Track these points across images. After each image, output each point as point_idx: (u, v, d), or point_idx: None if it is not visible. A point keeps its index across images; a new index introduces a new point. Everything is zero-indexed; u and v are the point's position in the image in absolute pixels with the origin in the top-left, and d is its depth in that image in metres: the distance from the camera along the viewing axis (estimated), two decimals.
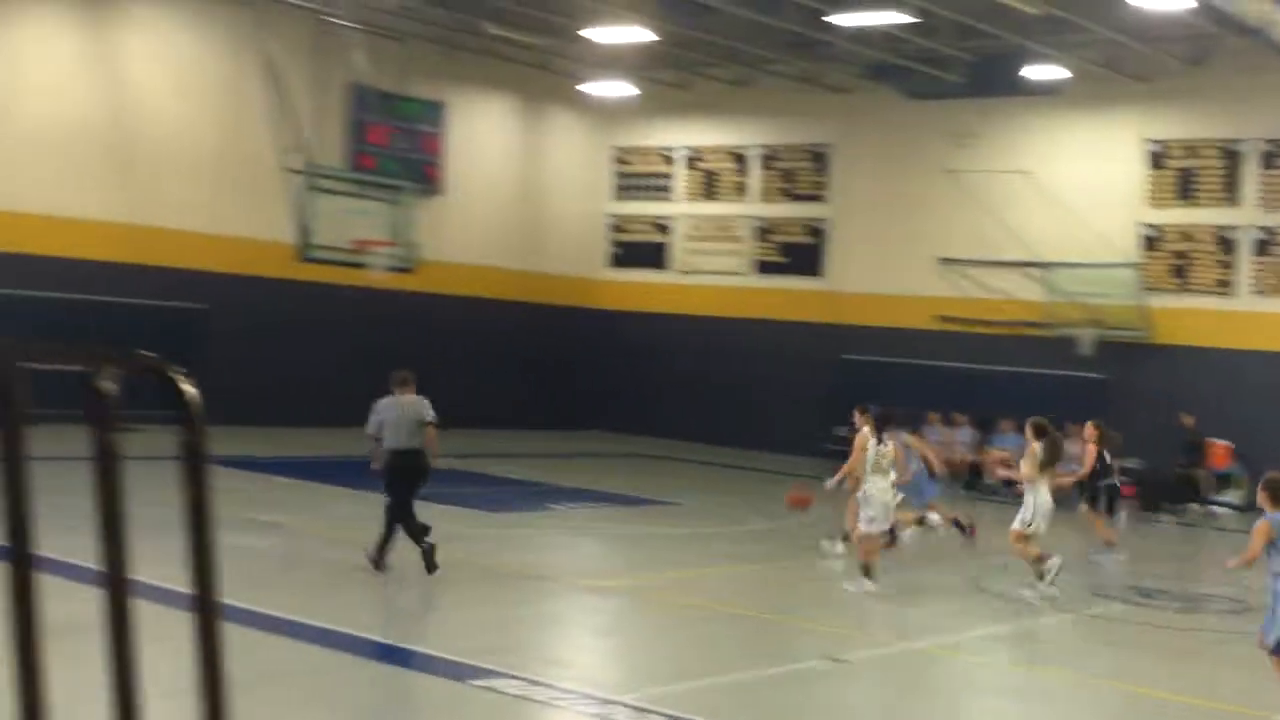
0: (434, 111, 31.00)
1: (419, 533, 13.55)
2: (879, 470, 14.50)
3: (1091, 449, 18.46)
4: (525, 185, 33.52)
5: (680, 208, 33.99)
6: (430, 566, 13.40)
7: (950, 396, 27.75)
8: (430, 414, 13.68)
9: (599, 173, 35.07)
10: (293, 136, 24.67)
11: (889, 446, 14.75)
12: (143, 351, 2.21)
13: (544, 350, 32.26)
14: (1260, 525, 9.84)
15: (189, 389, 2.06)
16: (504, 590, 13.61)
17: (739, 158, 33.09)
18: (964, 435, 26.96)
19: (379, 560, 13.47)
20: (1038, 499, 14.88)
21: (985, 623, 13.80)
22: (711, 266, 33.34)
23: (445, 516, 18.28)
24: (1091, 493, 18.70)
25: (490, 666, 10.08)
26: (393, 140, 28.63)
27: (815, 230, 31.93)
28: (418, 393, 13.87)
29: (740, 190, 33.07)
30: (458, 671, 10.05)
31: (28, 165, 24.85)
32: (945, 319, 29.56)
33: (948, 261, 29.74)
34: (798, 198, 32.21)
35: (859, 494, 14.65)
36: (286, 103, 24.60)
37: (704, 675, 10.59)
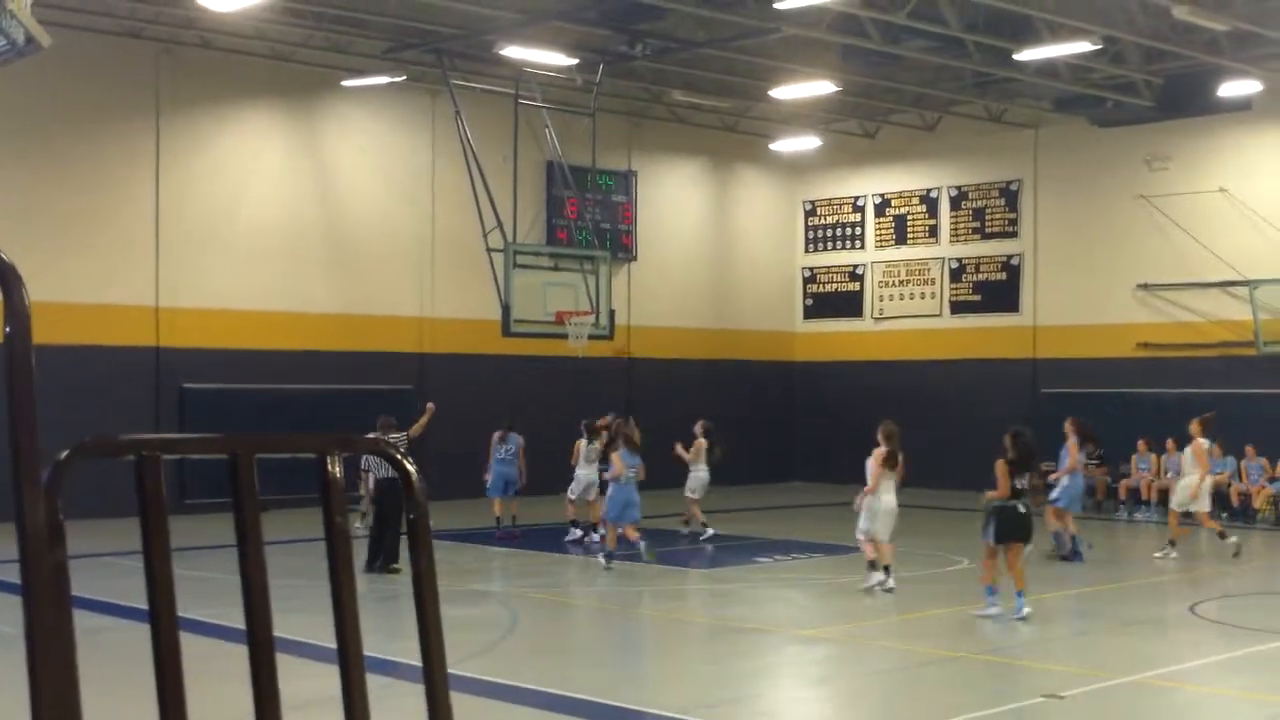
0: (625, 181, 31.78)
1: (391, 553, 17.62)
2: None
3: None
4: (717, 245, 34.00)
5: (872, 255, 34.05)
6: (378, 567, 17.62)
7: (1157, 424, 27.14)
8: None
9: (790, 226, 35.37)
10: (492, 217, 25.56)
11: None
12: (368, 436, 2.47)
13: (743, 405, 32.53)
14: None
15: (410, 467, 2.28)
16: (718, 644, 13.87)
17: (928, 200, 33.05)
18: (1174, 464, 26.21)
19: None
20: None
21: (1206, 652, 13.48)
22: (906, 311, 33.29)
23: (658, 575, 18.68)
24: None
25: None
26: (587, 212, 29.36)
27: (1009, 267, 31.67)
28: None
29: (931, 233, 33.00)
30: None
31: (250, 266, 26.28)
32: (1146, 345, 29.01)
33: (1147, 287, 29.21)
34: (990, 235, 32.01)
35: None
36: (485, 185, 25.51)
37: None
